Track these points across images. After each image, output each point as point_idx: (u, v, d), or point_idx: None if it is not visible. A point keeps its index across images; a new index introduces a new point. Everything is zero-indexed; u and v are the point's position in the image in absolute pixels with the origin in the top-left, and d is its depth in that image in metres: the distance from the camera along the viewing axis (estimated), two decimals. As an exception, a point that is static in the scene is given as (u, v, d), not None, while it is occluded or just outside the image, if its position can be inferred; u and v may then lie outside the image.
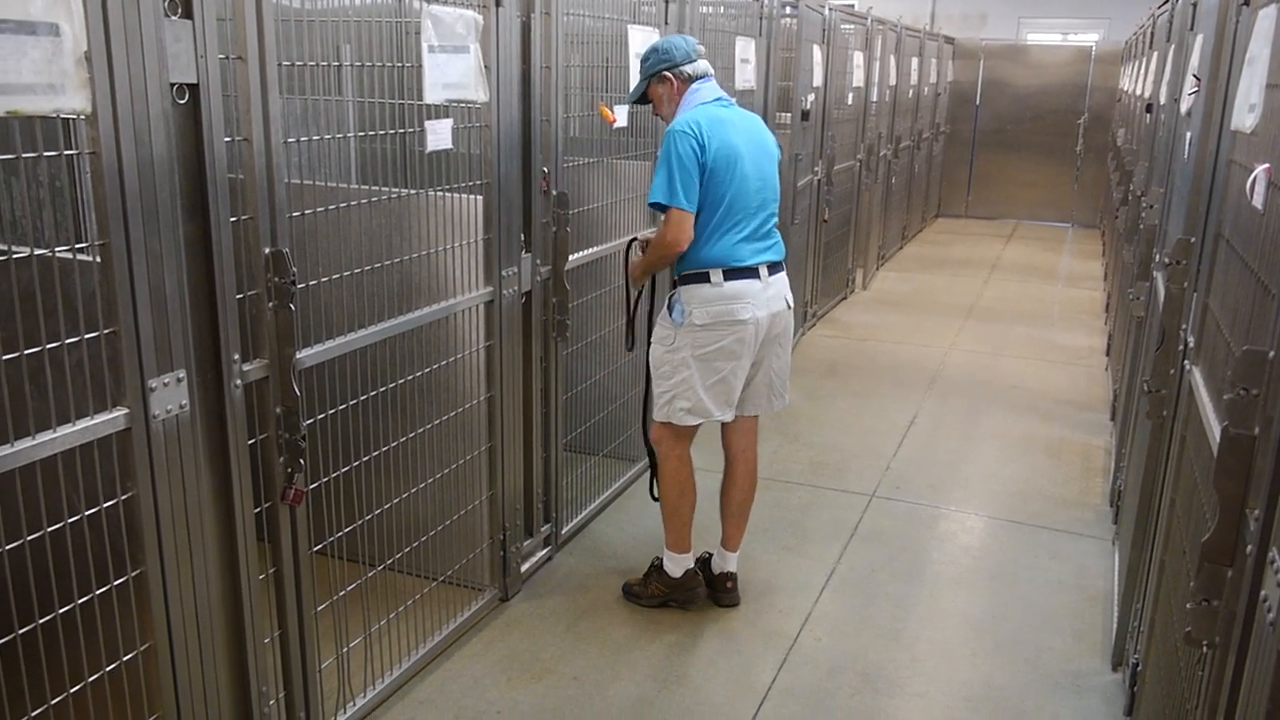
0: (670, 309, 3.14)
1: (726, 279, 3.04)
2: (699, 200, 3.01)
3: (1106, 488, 4.37)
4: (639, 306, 3.50)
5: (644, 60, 3.22)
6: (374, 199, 2.85)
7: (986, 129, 12.43)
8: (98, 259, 1.81)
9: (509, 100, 3.04)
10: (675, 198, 2.98)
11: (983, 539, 3.96)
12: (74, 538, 1.85)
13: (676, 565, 3.29)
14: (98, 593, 1.91)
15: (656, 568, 3.35)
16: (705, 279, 3.05)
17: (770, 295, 3.12)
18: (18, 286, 1.83)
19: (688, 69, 3.15)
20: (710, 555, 3.46)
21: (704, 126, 3.00)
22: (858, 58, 7.38)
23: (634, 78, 3.75)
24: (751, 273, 3.07)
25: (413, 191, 2.87)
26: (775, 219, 3.19)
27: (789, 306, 3.21)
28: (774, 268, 3.15)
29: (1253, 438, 1.43)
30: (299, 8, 3.06)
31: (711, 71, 3.21)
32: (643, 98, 3.28)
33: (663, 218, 3.07)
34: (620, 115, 3.71)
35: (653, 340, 3.24)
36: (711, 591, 3.41)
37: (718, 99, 3.15)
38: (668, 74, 3.16)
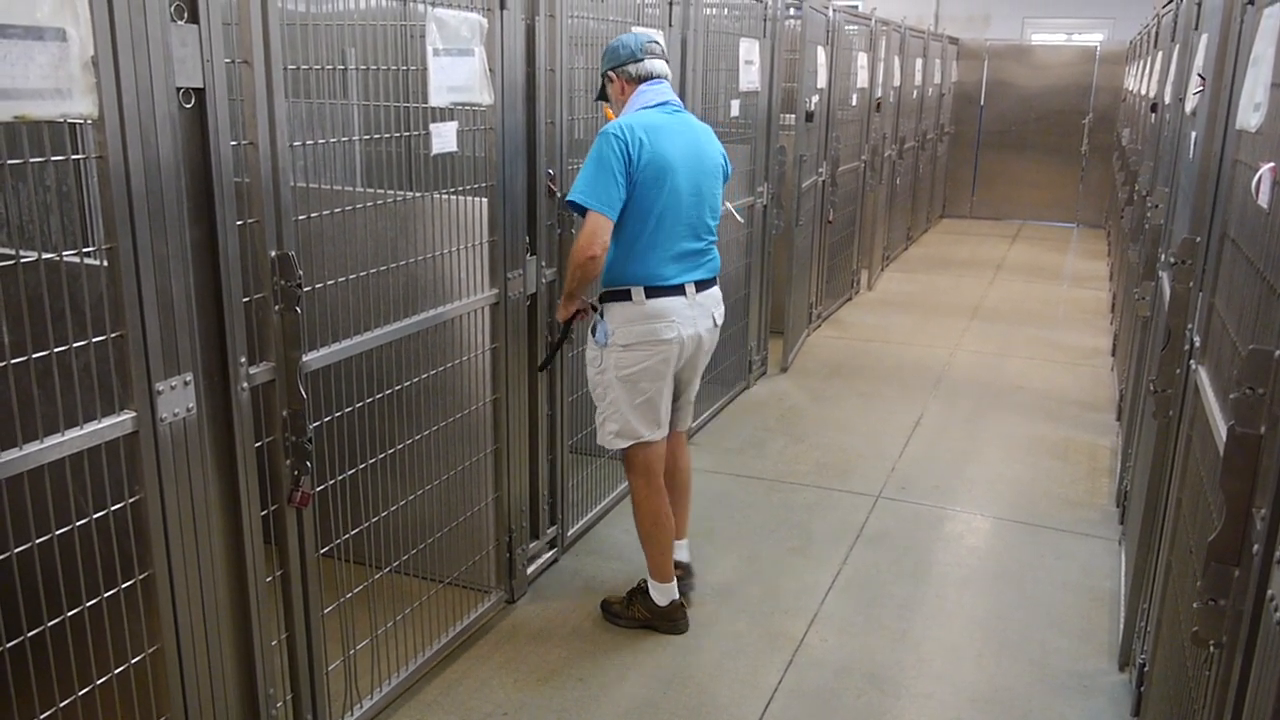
0: (594, 330, 3.06)
1: (649, 297, 2.95)
2: (625, 211, 2.90)
3: (1113, 488, 4.36)
4: (566, 331, 3.34)
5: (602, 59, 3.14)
6: (379, 202, 2.85)
7: (991, 129, 12.42)
8: (104, 263, 1.82)
9: (513, 103, 3.05)
10: (594, 200, 2.84)
11: (989, 540, 3.96)
12: (82, 541, 1.85)
13: (661, 594, 3.21)
14: (106, 596, 1.92)
15: (642, 591, 3.25)
16: (627, 296, 2.96)
17: (697, 313, 3.02)
18: (25, 291, 1.84)
19: (632, 69, 3.01)
20: None
21: (638, 132, 2.86)
22: (862, 59, 7.37)
23: None
24: (676, 290, 2.97)
25: (418, 194, 2.87)
26: (712, 237, 3.08)
27: (716, 324, 3.12)
28: (703, 285, 3.05)
29: (1259, 437, 1.43)
30: (304, 11, 3.07)
31: (664, 73, 3.05)
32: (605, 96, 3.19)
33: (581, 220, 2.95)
34: None
35: (587, 363, 3.16)
36: None
37: (662, 103, 3.00)
38: (612, 74, 3.06)
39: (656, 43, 3.08)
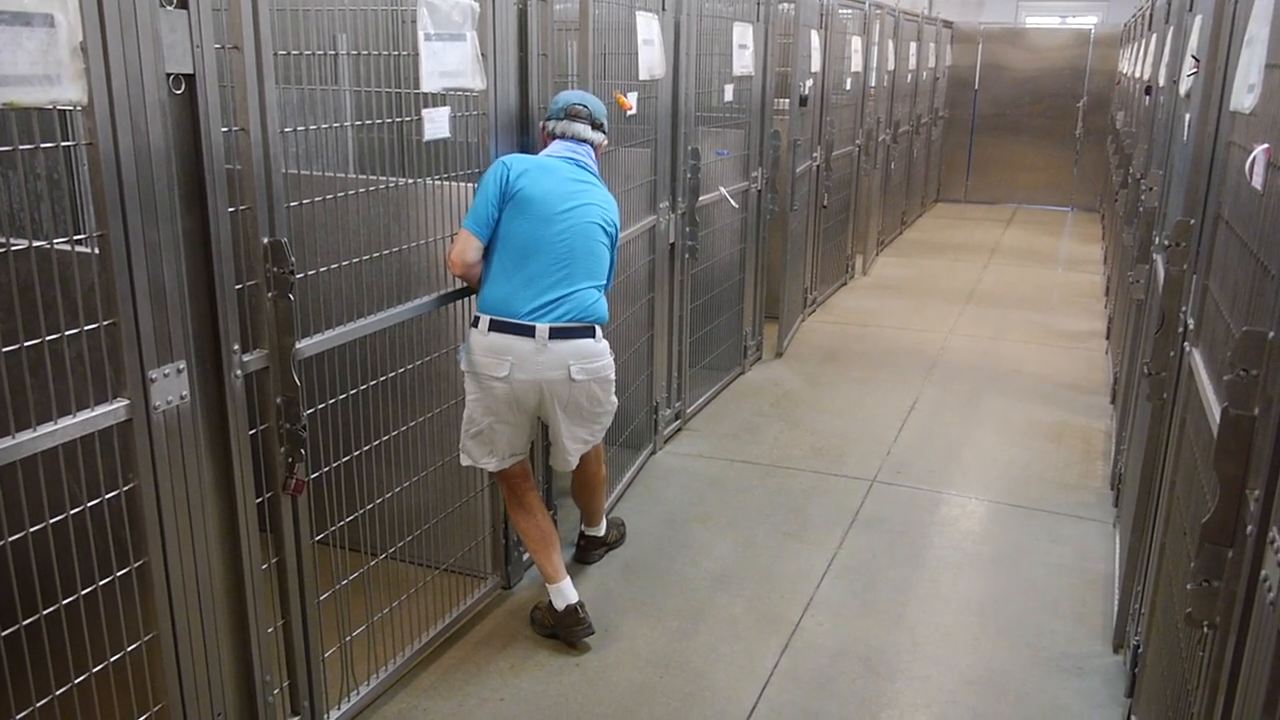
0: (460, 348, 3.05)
1: (492, 329, 2.87)
2: (495, 236, 2.91)
3: (1107, 471, 4.38)
4: None
5: None
6: (372, 188, 2.84)
7: (985, 113, 12.40)
8: (96, 251, 1.81)
9: (506, 88, 3.03)
10: (468, 216, 2.91)
11: (984, 523, 3.97)
12: (76, 529, 1.85)
13: (555, 597, 3.09)
14: (101, 584, 1.92)
15: (551, 599, 3.14)
16: (476, 323, 2.91)
17: (544, 361, 2.87)
18: (16, 279, 1.83)
19: (551, 125, 3.09)
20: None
21: (521, 165, 2.93)
22: (856, 42, 7.35)
23: (641, 65, 3.75)
24: (524, 330, 2.86)
25: (410, 180, 2.86)
26: (586, 285, 2.96)
27: (573, 379, 2.92)
28: (561, 333, 2.89)
29: (1252, 418, 1.43)
30: (294, -3, 3.05)
31: (585, 136, 3.08)
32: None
33: None
34: (631, 101, 3.70)
35: None
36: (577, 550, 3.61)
37: (565, 157, 3.03)
38: (541, 123, 3.16)
39: (585, 106, 3.11)
